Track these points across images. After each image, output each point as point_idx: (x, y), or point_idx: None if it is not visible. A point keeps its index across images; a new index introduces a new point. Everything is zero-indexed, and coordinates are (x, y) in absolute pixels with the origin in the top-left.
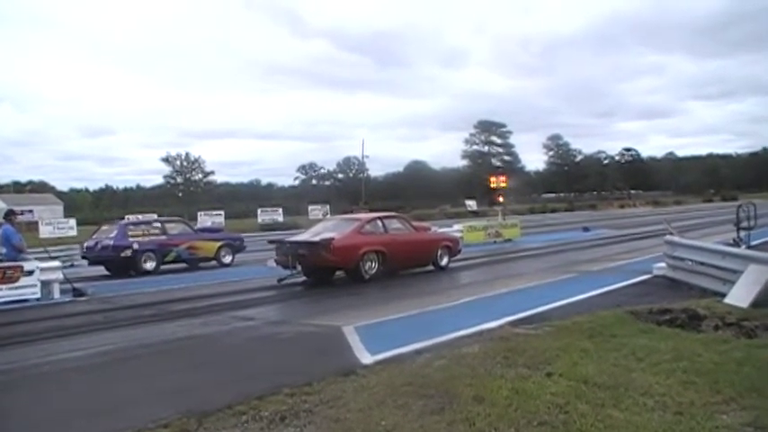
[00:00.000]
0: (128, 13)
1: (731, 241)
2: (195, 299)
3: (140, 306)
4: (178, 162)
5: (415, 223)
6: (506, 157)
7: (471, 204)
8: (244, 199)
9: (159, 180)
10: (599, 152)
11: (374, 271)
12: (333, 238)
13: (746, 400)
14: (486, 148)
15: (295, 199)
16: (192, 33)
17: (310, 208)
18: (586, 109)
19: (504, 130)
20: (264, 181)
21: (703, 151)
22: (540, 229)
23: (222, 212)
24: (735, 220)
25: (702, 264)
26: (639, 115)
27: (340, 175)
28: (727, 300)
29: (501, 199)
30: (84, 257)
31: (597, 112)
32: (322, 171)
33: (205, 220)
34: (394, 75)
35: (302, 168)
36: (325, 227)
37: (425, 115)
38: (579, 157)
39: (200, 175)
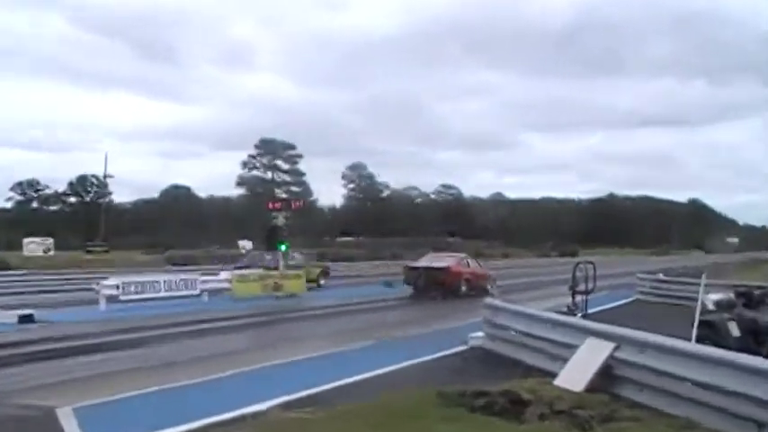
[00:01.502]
0: None
1: (565, 308)
2: None
3: None
4: None
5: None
6: (294, 188)
7: (246, 245)
8: None
9: None
10: (411, 188)
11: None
12: (449, 266)
13: None
14: (270, 175)
15: (5, 227)
16: None
17: (26, 241)
18: (400, 132)
19: (294, 153)
20: None
21: (538, 193)
22: (333, 281)
23: None
24: (570, 282)
25: (529, 335)
26: (464, 144)
27: (72, 199)
28: (557, 381)
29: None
30: None
31: (413, 136)
32: (47, 192)
33: None
34: (159, 71)
35: (18, 186)
36: (434, 257)
37: (196, 126)
38: (386, 192)
39: None
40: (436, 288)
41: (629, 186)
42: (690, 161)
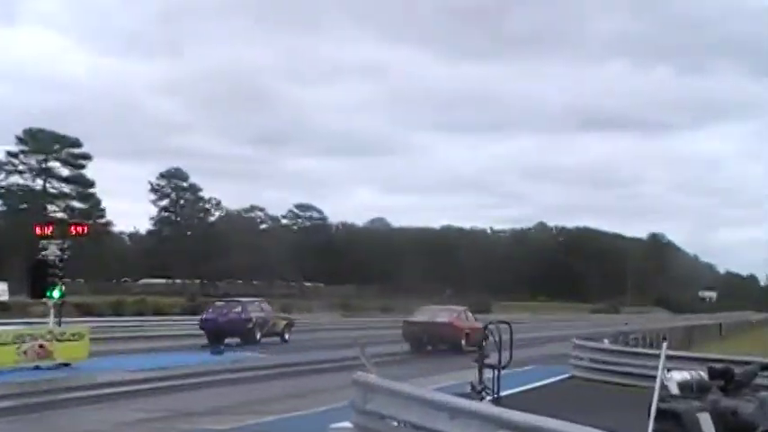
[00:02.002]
0: None
1: (469, 387)
2: None
3: None
4: None
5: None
6: (77, 203)
7: None
8: None
9: None
10: (252, 208)
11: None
12: (452, 321)
13: None
14: (40, 183)
15: None
16: None
17: None
18: (235, 127)
19: (77, 151)
20: None
21: (437, 220)
22: (130, 344)
23: None
24: (478, 352)
25: (418, 428)
26: (331, 148)
27: None
28: None
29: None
30: None
31: (255, 134)
32: None
33: None
34: None
35: None
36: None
37: None
38: (216, 215)
39: None
40: (438, 344)
41: (564, 213)
42: (651, 180)
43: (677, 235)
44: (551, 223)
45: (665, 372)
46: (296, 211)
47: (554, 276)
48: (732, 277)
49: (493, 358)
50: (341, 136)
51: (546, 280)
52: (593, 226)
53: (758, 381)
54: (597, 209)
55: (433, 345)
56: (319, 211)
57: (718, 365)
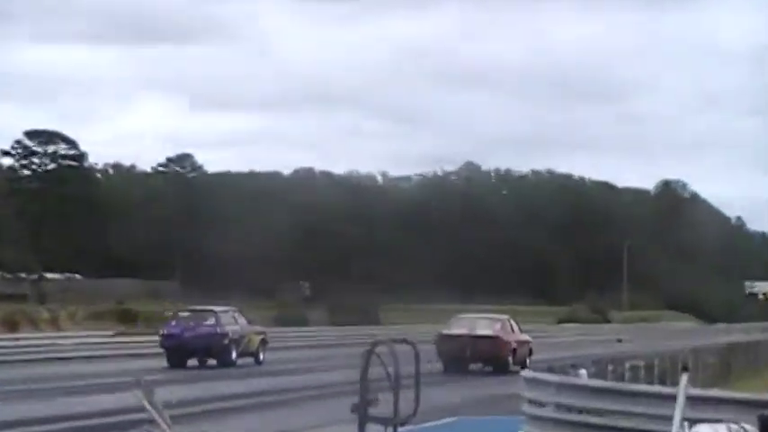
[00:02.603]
0: None
1: None
2: None
3: None
4: None
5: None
6: None
7: None
8: None
9: None
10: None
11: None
12: (499, 335)
13: None
14: None
15: None
16: None
17: None
18: None
19: None
20: None
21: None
22: None
23: None
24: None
25: None
26: None
27: None
28: None
29: None
30: None
31: None
32: None
33: None
34: None
35: None
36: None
37: None
38: None
39: None
40: (481, 362)
41: (511, 149)
42: (662, 88)
43: (707, 185)
44: (488, 165)
45: (686, 426)
46: (29, 143)
47: (495, 258)
48: None
49: (384, 407)
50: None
51: (481, 265)
52: (562, 170)
53: None
54: (570, 140)
55: (475, 362)
56: (70, 143)
57: None
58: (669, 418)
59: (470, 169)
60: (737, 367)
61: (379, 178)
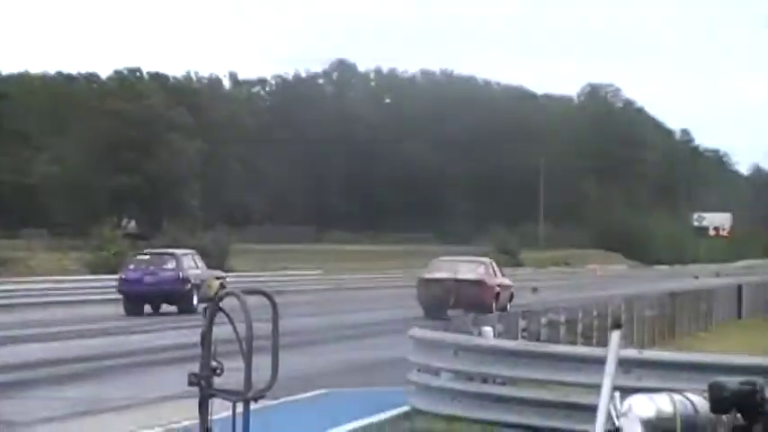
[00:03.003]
0: None
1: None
2: None
3: None
4: None
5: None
6: None
7: None
8: None
9: None
10: None
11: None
12: (483, 279)
13: None
14: None
15: None
16: None
17: None
18: None
19: None
20: None
21: None
22: None
23: None
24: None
25: None
26: None
27: None
28: None
29: None
30: None
31: None
32: None
33: None
34: None
35: None
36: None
37: None
38: None
39: None
40: (466, 307)
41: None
42: None
43: (645, 91)
44: (365, 65)
45: (618, 397)
46: None
47: (373, 183)
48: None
49: (233, 378)
50: None
51: (355, 193)
52: (462, 71)
53: None
54: (473, 34)
55: (458, 307)
56: None
57: (729, 381)
58: (597, 387)
59: (342, 70)
60: (684, 322)
61: (226, 82)
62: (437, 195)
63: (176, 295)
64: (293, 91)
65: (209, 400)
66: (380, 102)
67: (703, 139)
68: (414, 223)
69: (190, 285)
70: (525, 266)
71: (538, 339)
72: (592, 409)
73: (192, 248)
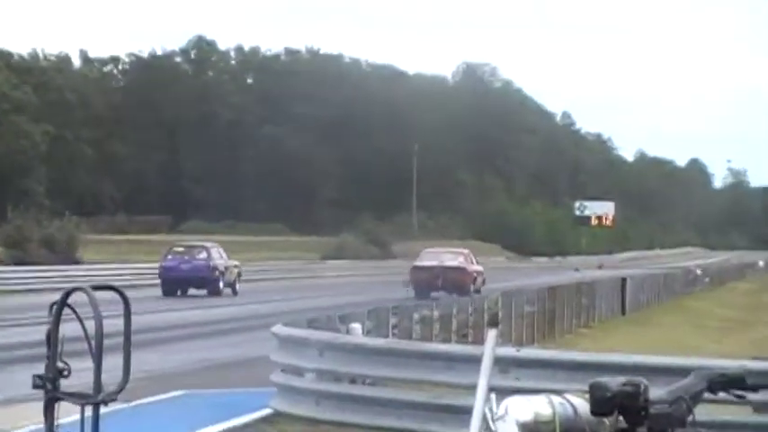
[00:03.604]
0: None
1: None
2: None
3: None
4: None
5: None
6: None
7: None
8: None
9: None
10: None
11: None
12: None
13: None
14: None
15: None
16: None
17: None
18: None
19: None
20: None
21: None
22: None
23: None
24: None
25: None
26: None
27: None
28: None
29: None
30: None
31: None
32: None
33: None
34: None
35: None
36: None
37: None
38: None
39: None
40: (450, 289)
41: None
42: None
43: (523, 71)
44: (225, 43)
45: (494, 399)
46: None
47: (234, 170)
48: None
49: (86, 379)
50: None
51: (215, 180)
52: (329, 49)
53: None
54: (340, 10)
55: (444, 289)
56: None
57: (611, 381)
58: (472, 388)
59: (201, 47)
60: (564, 319)
61: (76, 60)
62: (303, 182)
63: (207, 281)
64: (149, 70)
65: (56, 404)
66: (242, 82)
67: (584, 123)
68: (278, 213)
69: (218, 272)
70: (398, 258)
71: (410, 337)
72: (466, 411)
73: (39, 239)
